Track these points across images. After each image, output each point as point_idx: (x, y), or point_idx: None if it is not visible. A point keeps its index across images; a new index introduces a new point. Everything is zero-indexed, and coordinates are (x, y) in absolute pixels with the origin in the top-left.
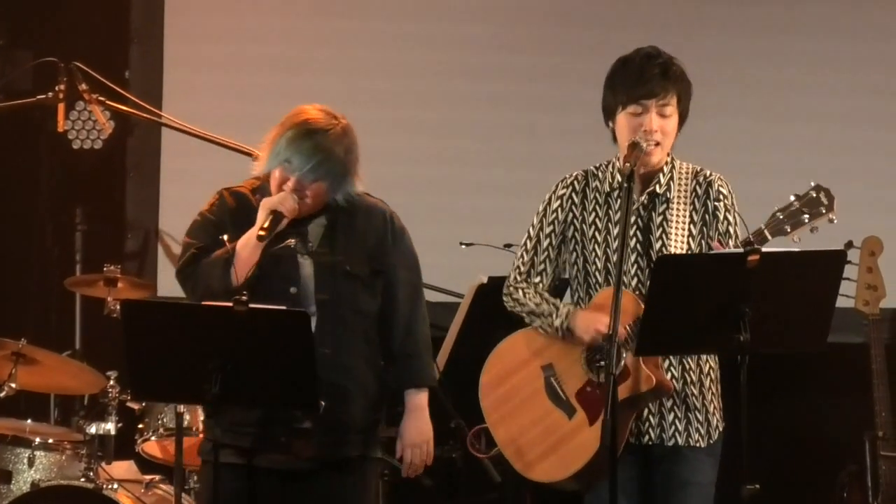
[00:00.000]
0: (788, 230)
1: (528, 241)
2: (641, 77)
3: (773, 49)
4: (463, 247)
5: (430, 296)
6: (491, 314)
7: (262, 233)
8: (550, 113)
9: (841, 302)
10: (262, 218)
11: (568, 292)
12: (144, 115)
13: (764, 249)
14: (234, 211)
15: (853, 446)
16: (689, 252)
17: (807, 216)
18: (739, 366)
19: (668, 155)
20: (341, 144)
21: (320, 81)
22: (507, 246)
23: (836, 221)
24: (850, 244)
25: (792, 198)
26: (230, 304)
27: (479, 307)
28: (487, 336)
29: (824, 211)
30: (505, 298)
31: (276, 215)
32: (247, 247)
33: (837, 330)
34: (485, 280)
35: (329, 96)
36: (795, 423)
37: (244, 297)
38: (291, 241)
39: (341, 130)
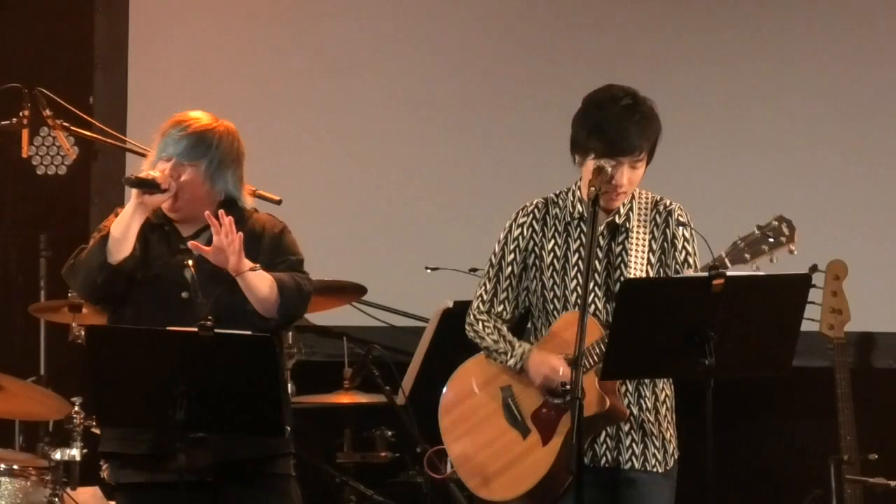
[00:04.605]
0: (748, 258)
1: (490, 270)
2: (621, 133)
3: (735, 78)
4: (428, 271)
5: (396, 320)
6: (457, 339)
7: (129, 177)
8: (516, 139)
9: (806, 326)
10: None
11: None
12: (109, 140)
13: (729, 273)
14: None
15: (818, 470)
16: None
17: (767, 246)
18: (704, 390)
19: None
20: (217, 135)
21: (285, 109)
22: (473, 270)
23: (796, 252)
24: (814, 268)
25: (754, 227)
26: (195, 329)
27: (444, 332)
28: (453, 361)
29: (784, 241)
30: (467, 328)
31: (149, 177)
32: (119, 224)
33: (802, 354)
34: (450, 304)
35: (295, 125)
36: (760, 448)
37: (209, 323)
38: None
39: (220, 126)
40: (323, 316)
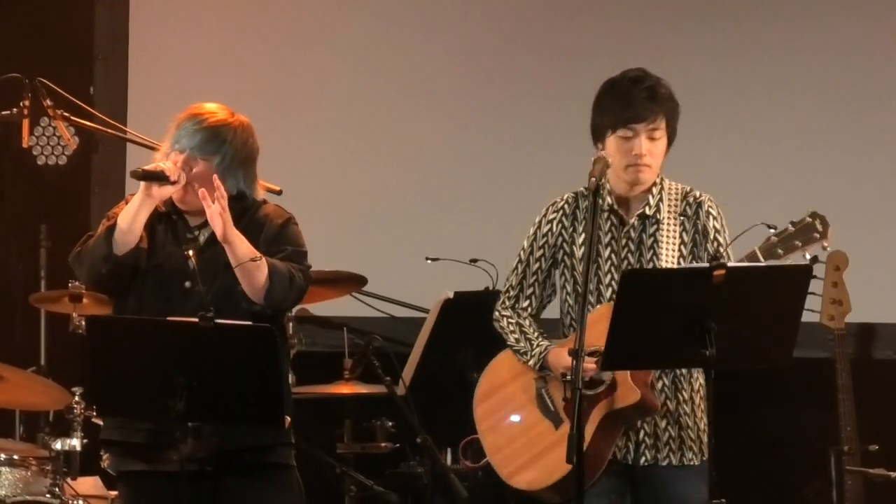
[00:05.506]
0: (781, 253)
1: (518, 265)
2: (630, 101)
3: (734, 70)
4: (429, 262)
5: (396, 311)
6: (457, 330)
7: (137, 170)
8: (516, 130)
9: (806, 317)
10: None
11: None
12: (109, 131)
13: (730, 264)
14: None
15: (819, 461)
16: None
17: (800, 241)
18: (706, 380)
19: (657, 175)
20: (232, 132)
21: (285, 100)
22: (473, 261)
23: (829, 249)
24: (815, 259)
25: (788, 223)
26: (196, 319)
27: (444, 323)
28: (453, 352)
29: (818, 237)
30: (493, 321)
31: (156, 168)
32: (126, 216)
33: (803, 345)
34: (450, 295)
35: (295, 116)
36: (760, 438)
37: (210, 313)
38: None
39: (236, 122)
40: (323, 306)
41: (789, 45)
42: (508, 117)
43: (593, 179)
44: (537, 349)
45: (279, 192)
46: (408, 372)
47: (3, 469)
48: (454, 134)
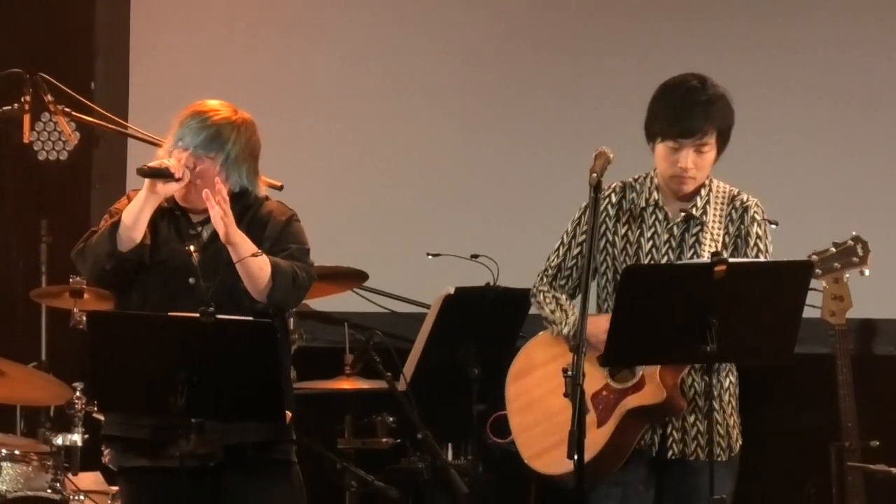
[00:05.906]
0: (820, 274)
1: (560, 248)
2: (681, 114)
3: (735, 65)
4: (430, 257)
5: (397, 306)
6: (458, 325)
7: (143, 167)
8: (518, 125)
9: (807, 312)
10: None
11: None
12: (110, 126)
13: (731, 260)
14: None
15: (819, 457)
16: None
17: (839, 264)
18: (708, 377)
19: (701, 182)
20: (235, 130)
21: (286, 95)
22: (474, 256)
23: (868, 274)
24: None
25: (830, 245)
26: (197, 314)
27: (445, 318)
28: (454, 347)
29: (857, 262)
30: (531, 297)
31: (161, 166)
32: (130, 213)
33: (804, 341)
34: (451, 291)
35: (296, 112)
36: (761, 435)
37: (211, 309)
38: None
39: (239, 120)
40: (324, 302)
41: (790, 41)
42: (509, 113)
43: (594, 175)
44: (573, 317)
45: (280, 188)
46: (409, 367)
47: (4, 464)
48: (455, 130)
